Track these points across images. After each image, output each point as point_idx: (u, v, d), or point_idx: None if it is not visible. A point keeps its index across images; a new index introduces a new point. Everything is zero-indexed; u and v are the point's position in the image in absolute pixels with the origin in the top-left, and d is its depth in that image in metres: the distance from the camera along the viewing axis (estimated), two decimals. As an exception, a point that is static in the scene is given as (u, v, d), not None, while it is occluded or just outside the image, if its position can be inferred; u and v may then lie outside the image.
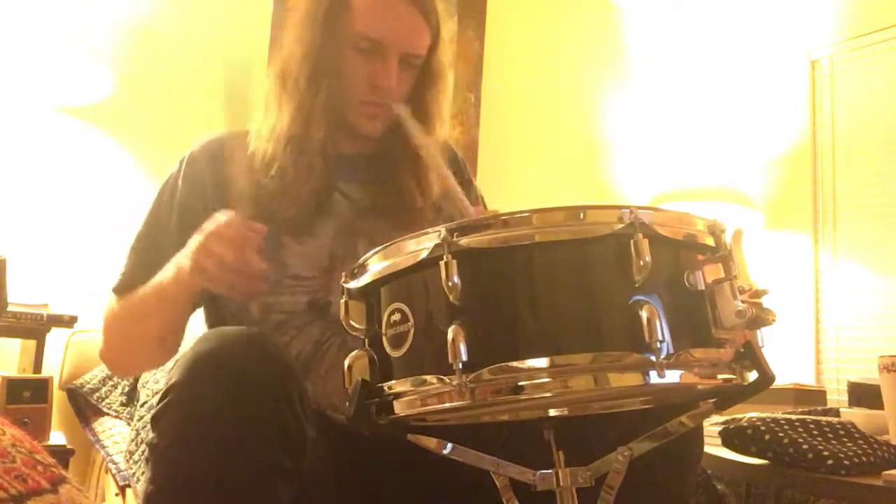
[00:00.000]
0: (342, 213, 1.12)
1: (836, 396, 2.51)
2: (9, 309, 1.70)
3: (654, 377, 0.61)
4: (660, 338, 0.61)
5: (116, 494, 1.60)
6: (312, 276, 1.07)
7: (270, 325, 1.05)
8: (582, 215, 0.65)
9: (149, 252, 1.09)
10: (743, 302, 0.67)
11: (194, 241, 0.94)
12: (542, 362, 0.61)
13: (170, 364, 1.15)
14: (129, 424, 1.75)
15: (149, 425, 0.81)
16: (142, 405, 1.69)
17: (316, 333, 1.05)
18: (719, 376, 0.67)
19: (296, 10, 1.15)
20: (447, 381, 0.62)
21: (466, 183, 1.30)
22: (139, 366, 1.26)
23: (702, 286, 0.67)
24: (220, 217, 0.94)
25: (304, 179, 1.08)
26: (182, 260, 0.97)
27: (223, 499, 0.76)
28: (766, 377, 0.67)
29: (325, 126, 1.10)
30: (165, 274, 1.01)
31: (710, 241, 0.69)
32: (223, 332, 0.82)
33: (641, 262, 0.62)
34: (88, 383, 1.88)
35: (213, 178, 1.11)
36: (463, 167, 1.31)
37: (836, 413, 1.51)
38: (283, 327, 1.06)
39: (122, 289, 1.09)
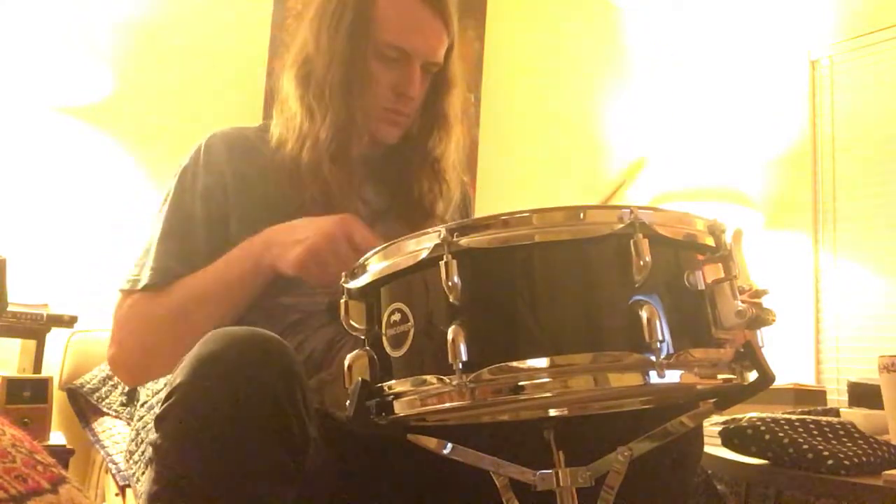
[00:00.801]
0: (359, 215, 1.12)
1: (836, 396, 2.51)
2: (9, 309, 1.70)
3: (654, 377, 0.61)
4: (660, 338, 0.61)
5: (116, 494, 1.60)
6: None
7: (286, 324, 1.05)
8: (582, 215, 0.65)
9: (180, 244, 1.07)
10: (743, 302, 0.66)
11: (309, 234, 0.94)
12: (542, 362, 0.61)
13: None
14: (129, 424, 1.75)
15: (150, 425, 0.81)
16: (142, 405, 1.69)
17: (330, 334, 1.06)
18: (719, 376, 0.67)
19: (308, 12, 1.15)
20: (447, 381, 0.62)
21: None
22: (164, 370, 1.19)
23: (702, 286, 0.67)
24: (347, 218, 0.95)
25: (347, 189, 1.10)
26: (289, 252, 0.96)
27: (226, 499, 0.76)
28: (766, 377, 0.67)
29: (344, 136, 1.10)
30: (233, 258, 1.01)
31: (710, 241, 0.69)
32: (228, 333, 0.82)
33: (641, 262, 0.62)
34: (88, 383, 1.88)
35: (231, 168, 1.11)
36: (469, 203, 1.33)
37: (836, 413, 1.51)
38: (299, 327, 1.06)
39: (157, 283, 1.05)
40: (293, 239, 0.96)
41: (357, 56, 1.09)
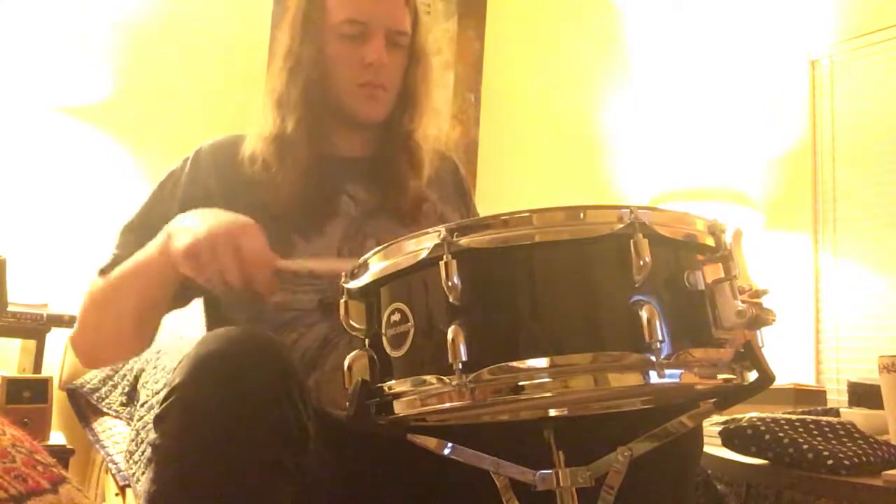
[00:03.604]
0: (349, 214, 1.14)
1: (836, 396, 2.51)
2: (9, 309, 1.70)
3: (653, 377, 0.61)
4: (660, 338, 0.61)
5: (116, 494, 1.61)
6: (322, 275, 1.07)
7: (279, 322, 1.05)
8: (582, 215, 0.65)
9: (143, 237, 1.07)
10: (743, 302, 0.66)
11: (201, 228, 0.93)
12: (542, 362, 0.61)
13: (173, 364, 1.15)
14: (129, 424, 1.75)
15: (150, 425, 0.81)
16: (142, 405, 1.69)
17: (323, 332, 1.06)
18: (719, 376, 0.67)
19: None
20: (447, 381, 0.62)
21: (465, 200, 1.30)
22: (109, 352, 1.18)
23: (702, 286, 0.67)
24: (245, 224, 0.93)
25: (289, 173, 1.09)
26: (181, 238, 0.94)
27: (226, 498, 0.76)
28: (766, 377, 0.67)
29: (304, 117, 1.11)
30: (151, 246, 1.00)
31: (710, 241, 0.69)
32: (225, 332, 0.82)
33: (641, 262, 0.62)
34: (88, 383, 1.88)
35: (217, 180, 1.12)
36: (464, 184, 1.32)
37: (836, 413, 1.51)
38: (292, 325, 1.06)
39: (110, 269, 1.07)
40: (188, 228, 0.94)
41: (309, 41, 1.12)
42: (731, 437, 1.25)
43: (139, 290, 1.03)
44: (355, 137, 1.19)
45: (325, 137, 1.15)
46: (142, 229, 1.10)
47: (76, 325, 1.10)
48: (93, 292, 1.08)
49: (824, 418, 1.28)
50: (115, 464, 1.64)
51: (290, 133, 1.11)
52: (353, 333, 0.72)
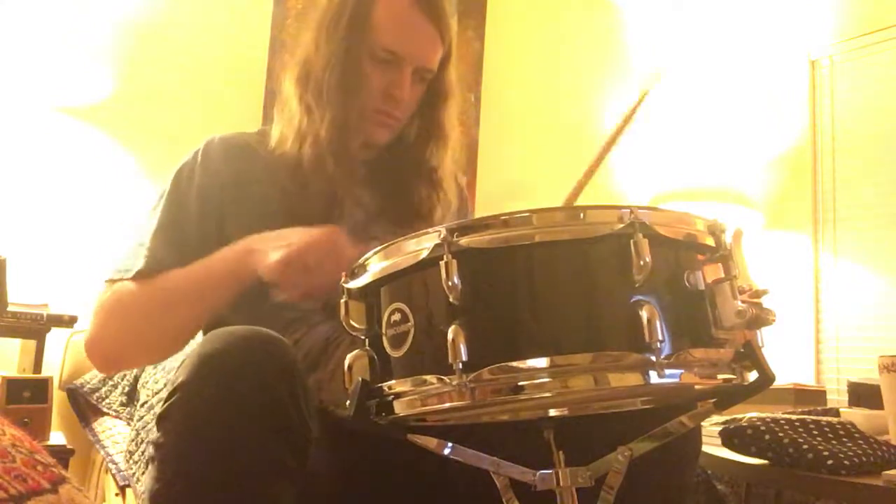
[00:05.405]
0: (353, 216, 1.14)
1: (836, 396, 2.51)
2: (9, 309, 1.70)
3: (653, 377, 0.61)
4: (660, 338, 0.61)
5: (116, 494, 1.61)
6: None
7: (282, 322, 1.05)
8: (582, 215, 0.65)
9: (176, 235, 1.08)
10: (743, 302, 0.66)
11: (280, 247, 0.94)
12: (542, 362, 0.61)
13: (173, 364, 1.15)
14: (129, 424, 1.75)
15: (150, 425, 0.81)
16: (142, 405, 1.69)
17: (326, 332, 1.06)
18: (719, 376, 0.67)
19: (311, 14, 1.18)
20: (447, 381, 0.62)
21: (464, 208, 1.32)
22: (139, 356, 1.17)
23: (702, 286, 0.67)
24: (324, 234, 0.94)
25: (348, 184, 1.12)
26: (258, 253, 0.96)
27: (228, 497, 0.77)
28: (766, 377, 0.67)
29: (346, 125, 1.12)
30: (215, 261, 1.01)
31: (710, 241, 0.69)
32: (229, 332, 0.83)
33: (641, 262, 0.62)
34: (88, 383, 1.88)
35: (228, 169, 1.13)
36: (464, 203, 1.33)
37: (836, 413, 1.51)
38: (295, 324, 1.07)
39: (149, 272, 1.05)
40: (277, 243, 0.95)
41: (352, 57, 1.12)
42: (731, 437, 1.25)
43: (199, 308, 1.03)
44: (362, 144, 1.19)
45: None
46: (171, 228, 1.10)
47: (93, 329, 1.06)
48: (129, 301, 1.05)
49: (824, 418, 1.28)
50: (115, 464, 1.64)
51: (354, 149, 1.13)
52: (354, 333, 0.72)
